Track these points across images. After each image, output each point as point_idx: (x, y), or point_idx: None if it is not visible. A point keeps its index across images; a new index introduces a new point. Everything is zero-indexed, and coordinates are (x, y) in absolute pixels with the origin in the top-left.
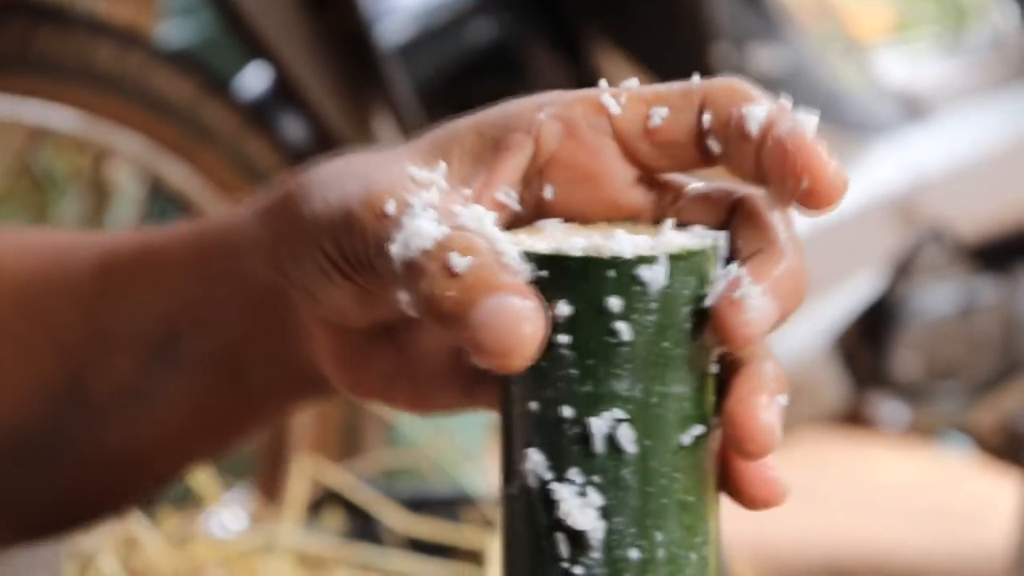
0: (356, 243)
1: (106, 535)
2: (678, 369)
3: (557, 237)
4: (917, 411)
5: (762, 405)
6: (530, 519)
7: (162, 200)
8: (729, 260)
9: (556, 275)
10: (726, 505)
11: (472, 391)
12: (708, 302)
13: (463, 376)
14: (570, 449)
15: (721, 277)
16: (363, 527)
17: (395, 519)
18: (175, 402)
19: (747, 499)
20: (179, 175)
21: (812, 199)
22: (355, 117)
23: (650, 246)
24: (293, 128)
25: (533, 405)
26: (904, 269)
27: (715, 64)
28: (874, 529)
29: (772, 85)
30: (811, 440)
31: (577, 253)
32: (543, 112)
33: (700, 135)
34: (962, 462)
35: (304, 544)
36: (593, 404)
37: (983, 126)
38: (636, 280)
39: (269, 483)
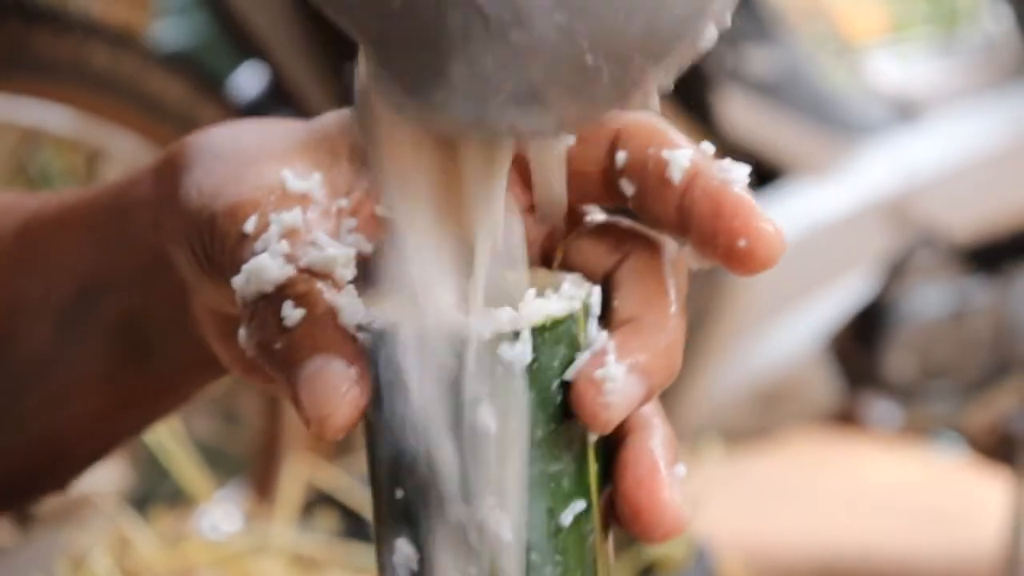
0: (216, 253)
1: (99, 534)
2: (552, 447)
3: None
4: (909, 412)
5: (663, 484)
6: None
7: None
8: (604, 315)
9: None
10: (720, 505)
11: None
12: (568, 376)
13: None
14: (440, 542)
15: (589, 345)
16: (356, 527)
17: None
18: (85, 372)
19: (646, 534)
20: None
21: (748, 260)
22: None
23: (512, 319)
24: None
25: (399, 493)
26: (896, 270)
27: (708, 66)
28: (866, 529)
29: (765, 87)
30: (804, 440)
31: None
32: None
33: (610, 172)
34: (954, 462)
35: (297, 544)
36: (462, 494)
37: (976, 128)
38: (498, 360)
39: (262, 482)
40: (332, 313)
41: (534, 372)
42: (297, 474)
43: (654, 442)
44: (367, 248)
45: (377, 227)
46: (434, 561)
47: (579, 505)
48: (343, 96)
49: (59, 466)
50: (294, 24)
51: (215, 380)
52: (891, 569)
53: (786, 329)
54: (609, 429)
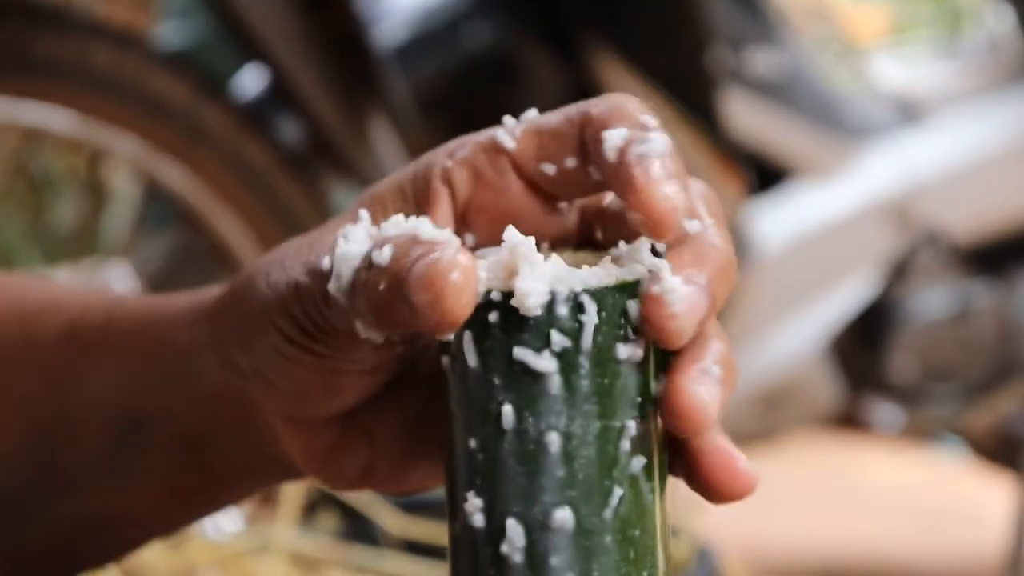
0: (307, 307)
1: None
2: (617, 400)
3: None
4: (911, 414)
5: (691, 379)
6: (472, 557)
7: (158, 201)
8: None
9: (507, 314)
10: (722, 506)
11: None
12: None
13: (437, 447)
14: (509, 488)
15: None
16: (357, 528)
17: (389, 520)
18: (146, 479)
19: (716, 492)
20: (175, 176)
21: (650, 231)
22: (351, 119)
23: (583, 279)
24: (289, 130)
25: (472, 443)
26: (899, 272)
27: (711, 68)
28: (868, 531)
29: (769, 89)
30: (806, 442)
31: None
32: (451, 159)
33: (585, 159)
34: (956, 465)
35: (299, 545)
36: (527, 440)
37: (979, 130)
38: (571, 317)
39: None
40: (416, 235)
41: (600, 330)
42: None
43: (700, 348)
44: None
45: None
46: (505, 508)
47: (640, 461)
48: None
49: (102, 550)
50: (297, 26)
51: (279, 481)
52: (893, 571)
53: (788, 331)
54: (683, 340)
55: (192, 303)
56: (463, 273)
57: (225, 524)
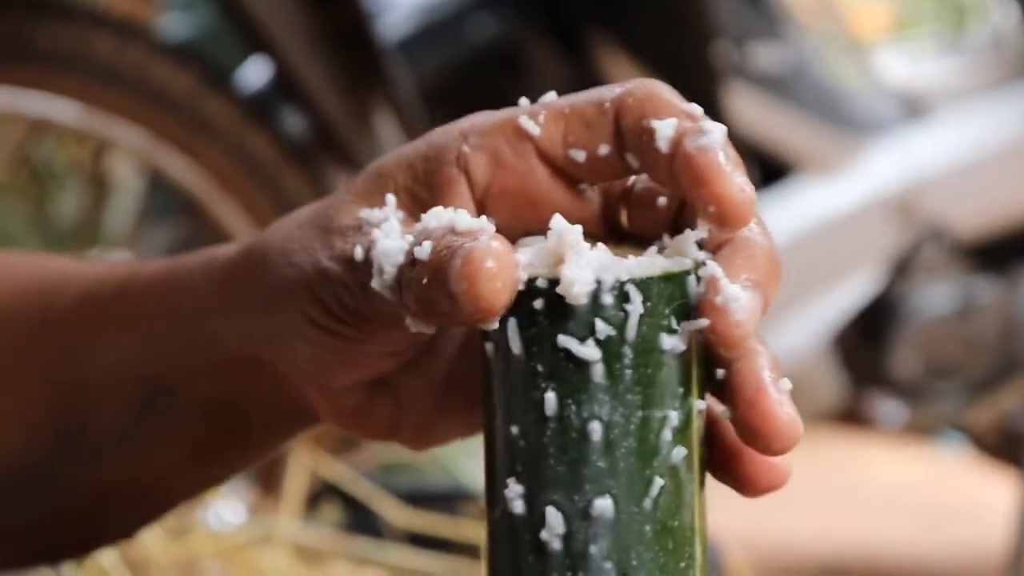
0: (340, 295)
1: None
2: (660, 390)
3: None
4: (914, 410)
5: (776, 402)
6: (511, 544)
7: (162, 192)
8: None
9: (552, 302)
10: (720, 502)
11: (471, 418)
12: (685, 322)
13: (461, 406)
14: (550, 476)
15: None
16: (361, 520)
17: (393, 512)
18: (171, 444)
19: (752, 488)
20: (179, 168)
21: (721, 223)
22: (355, 112)
23: (629, 269)
24: (293, 122)
25: (514, 430)
26: (902, 268)
27: (715, 62)
28: (870, 527)
29: (772, 84)
30: (808, 438)
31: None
32: (467, 144)
33: (620, 147)
34: (959, 461)
35: (302, 537)
36: (571, 428)
37: (982, 125)
38: (616, 306)
39: (267, 475)
40: (453, 228)
41: (645, 320)
42: (302, 466)
43: (759, 363)
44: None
45: None
46: (544, 495)
47: (680, 451)
48: (348, 91)
49: (127, 518)
50: (301, 18)
51: (306, 431)
52: (895, 566)
53: (791, 326)
54: (744, 346)
55: (204, 268)
56: (498, 260)
57: (228, 515)
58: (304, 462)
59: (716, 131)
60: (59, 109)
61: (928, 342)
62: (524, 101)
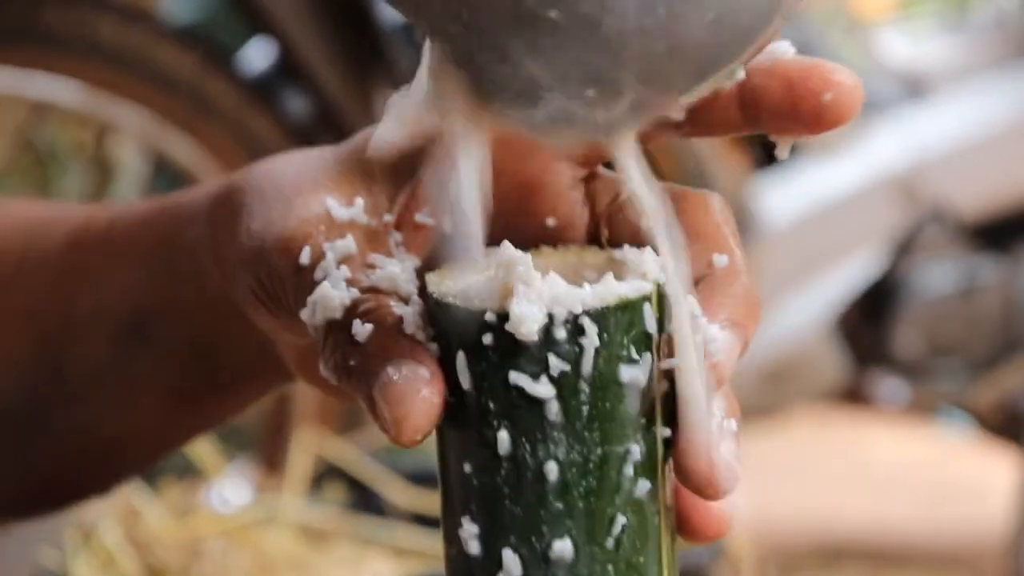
0: (277, 289)
1: (108, 506)
2: (620, 425)
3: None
4: (917, 389)
5: (710, 445)
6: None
7: (165, 175)
8: None
9: (502, 337)
10: None
11: None
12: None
13: None
14: (506, 517)
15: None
16: (365, 500)
17: (396, 493)
18: (149, 384)
19: (689, 533)
20: (182, 150)
21: (836, 113)
22: (358, 93)
23: (582, 300)
24: (296, 103)
25: (467, 467)
26: (905, 247)
27: None
28: (873, 506)
29: None
30: (811, 418)
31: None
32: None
33: None
34: (961, 440)
35: (306, 517)
36: (527, 467)
37: (985, 105)
38: (570, 340)
39: (271, 456)
40: (400, 324)
41: (603, 352)
42: (306, 447)
43: (704, 405)
44: (418, 263)
45: (421, 235)
46: (500, 538)
47: (645, 485)
48: (350, 72)
49: (108, 469)
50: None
51: (283, 384)
52: (898, 545)
53: (794, 306)
54: (722, 386)
55: (195, 199)
56: (422, 404)
57: (232, 496)
58: (308, 443)
59: (782, 45)
60: (62, 91)
61: (931, 321)
62: None
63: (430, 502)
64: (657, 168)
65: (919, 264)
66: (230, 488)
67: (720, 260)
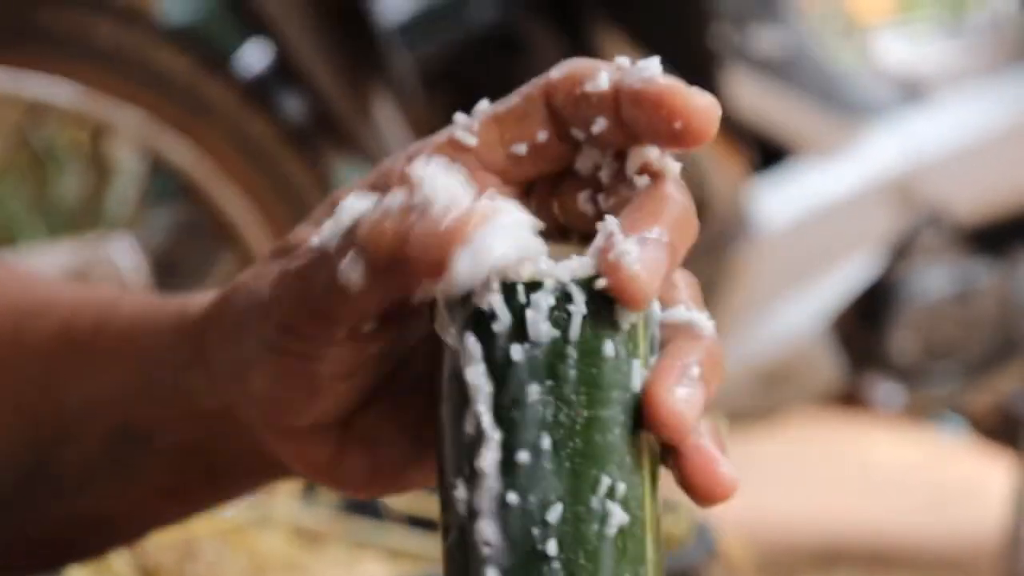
0: (293, 291)
1: None
2: (604, 391)
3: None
4: (913, 392)
5: (669, 387)
6: (461, 544)
7: (162, 175)
8: None
9: (496, 307)
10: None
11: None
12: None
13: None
14: (489, 486)
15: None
16: (359, 502)
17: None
18: (140, 485)
19: (695, 494)
20: (179, 151)
21: (689, 137)
22: (355, 95)
23: (571, 271)
24: (292, 105)
25: (466, 428)
26: (901, 251)
27: (715, 45)
28: (869, 509)
29: (772, 66)
30: (806, 421)
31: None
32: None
33: (559, 128)
34: (957, 443)
35: (300, 518)
36: (517, 429)
37: (982, 109)
38: (559, 308)
39: None
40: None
41: (587, 319)
42: None
43: (681, 346)
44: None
45: None
46: (483, 501)
47: (630, 451)
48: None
49: (96, 544)
50: (300, 1)
51: (280, 480)
52: (893, 548)
53: (790, 309)
54: (648, 301)
55: (179, 318)
56: (474, 218)
57: None
58: None
59: (652, 63)
60: (59, 92)
61: (927, 325)
62: (460, 117)
63: (425, 504)
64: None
65: (915, 268)
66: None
67: (640, 181)
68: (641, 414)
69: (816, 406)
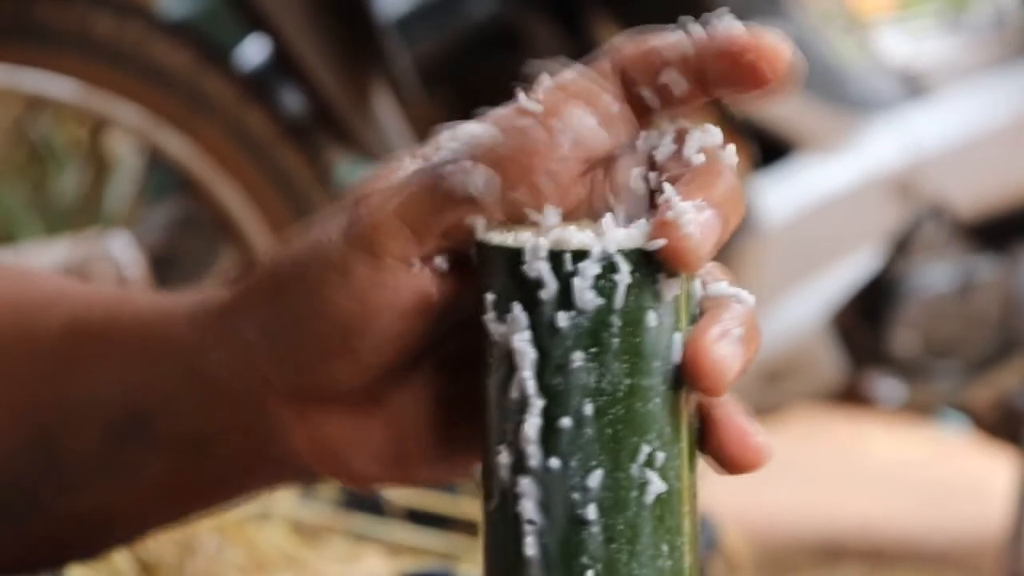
0: (419, 186)
1: None
2: (646, 360)
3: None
4: (914, 388)
5: (712, 339)
6: (503, 507)
7: (161, 170)
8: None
9: (542, 274)
10: (722, 479)
11: (458, 459)
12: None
13: (455, 440)
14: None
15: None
16: (359, 497)
17: (392, 489)
18: (146, 477)
19: (728, 462)
20: (177, 146)
21: (771, 79)
22: (353, 89)
23: (617, 242)
24: (291, 100)
25: (514, 395)
26: (902, 246)
27: None
28: (870, 505)
29: None
30: (808, 416)
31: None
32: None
33: (631, 97)
34: (959, 439)
35: (300, 513)
36: (560, 396)
37: (983, 104)
38: (605, 277)
39: None
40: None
41: (629, 290)
42: None
43: (722, 310)
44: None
45: None
46: (526, 465)
47: (670, 421)
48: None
49: (98, 542)
50: None
51: (283, 483)
52: (894, 544)
53: (791, 305)
54: (701, 264)
55: (199, 301)
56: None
57: None
58: None
59: (724, 16)
60: (58, 86)
61: (928, 321)
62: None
63: (425, 498)
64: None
65: (916, 263)
66: None
67: (698, 159)
68: (681, 385)
69: (817, 402)
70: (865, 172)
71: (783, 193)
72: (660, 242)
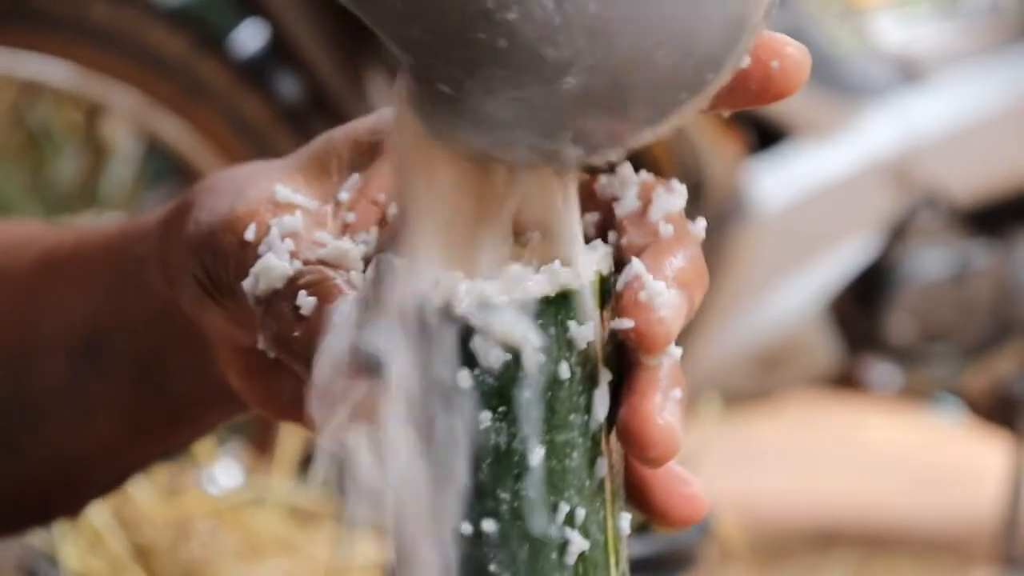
0: (219, 269)
1: None
2: (561, 416)
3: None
4: (909, 374)
5: (656, 407)
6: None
7: (158, 156)
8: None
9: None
10: (718, 465)
11: None
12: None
13: None
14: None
15: (620, 279)
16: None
17: None
18: (103, 406)
19: (658, 515)
20: (174, 131)
21: (781, 81)
22: (349, 75)
23: (525, 292)
24: (287, 85)
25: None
26: (898, 233)
27: None
28: (865, 490)
29: None
30: (803, 402)
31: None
32: None
33: None
34: (953, 425)
35: (295, 498)
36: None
37: (979, 90)
38: (512, 331)
39: (262, 438)
40: (345, 295)
41: (551, 342)
42: (295, 430)
43: (652, 369)
44: (370, 249)
45: (375, 213)
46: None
47: (590, 474)
48: (342, 54)
49: (72, 492)
50: None
51: (235, 415)
52: (889, 530)
53: (787, 291)
54: (668, 346)
55: (151, 217)
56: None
57: (223, 478)
58: (298, 426)
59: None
60: (54, 71)
61: (924, 307)
62: None
63: None
64: (652, 156)
65: (912, 249)
66: (221, 470)
67: (666, 229)
68: (600, 433)
69: (813, 388)
70: (861, 158)
71: (779, 179)
72: (627, 323)
